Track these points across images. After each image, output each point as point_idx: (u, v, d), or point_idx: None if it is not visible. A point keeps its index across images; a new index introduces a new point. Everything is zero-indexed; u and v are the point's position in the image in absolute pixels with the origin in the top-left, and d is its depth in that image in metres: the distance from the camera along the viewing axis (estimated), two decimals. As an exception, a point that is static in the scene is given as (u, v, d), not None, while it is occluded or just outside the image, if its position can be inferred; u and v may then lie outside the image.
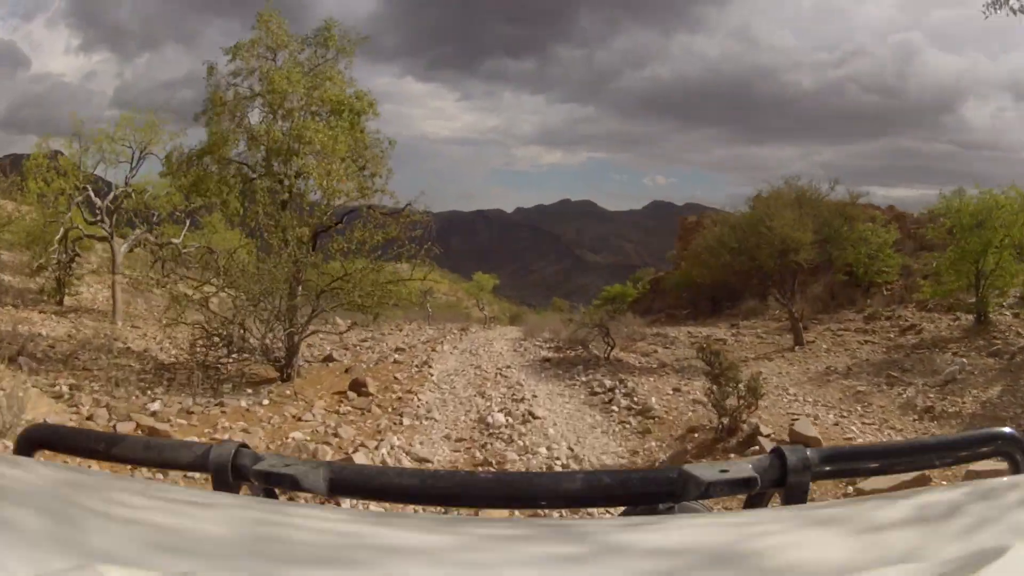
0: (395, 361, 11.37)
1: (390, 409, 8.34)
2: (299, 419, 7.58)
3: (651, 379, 10.01)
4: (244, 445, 0.68)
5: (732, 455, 6.39)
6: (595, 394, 9.31)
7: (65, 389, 7.58)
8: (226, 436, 6.67)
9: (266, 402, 8.11)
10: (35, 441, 0.74)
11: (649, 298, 40.38)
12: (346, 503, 3.40)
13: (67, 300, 13.66)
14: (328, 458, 5.81)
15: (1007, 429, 0.70)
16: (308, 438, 6.87)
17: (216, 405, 7.71)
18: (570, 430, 7.77)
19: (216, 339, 9.00)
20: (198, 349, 9.05)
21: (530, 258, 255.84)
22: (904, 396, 8.31)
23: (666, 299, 36.64)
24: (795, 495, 0.64)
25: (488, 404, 8.60)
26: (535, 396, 9.12)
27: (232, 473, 0.66)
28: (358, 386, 8.88)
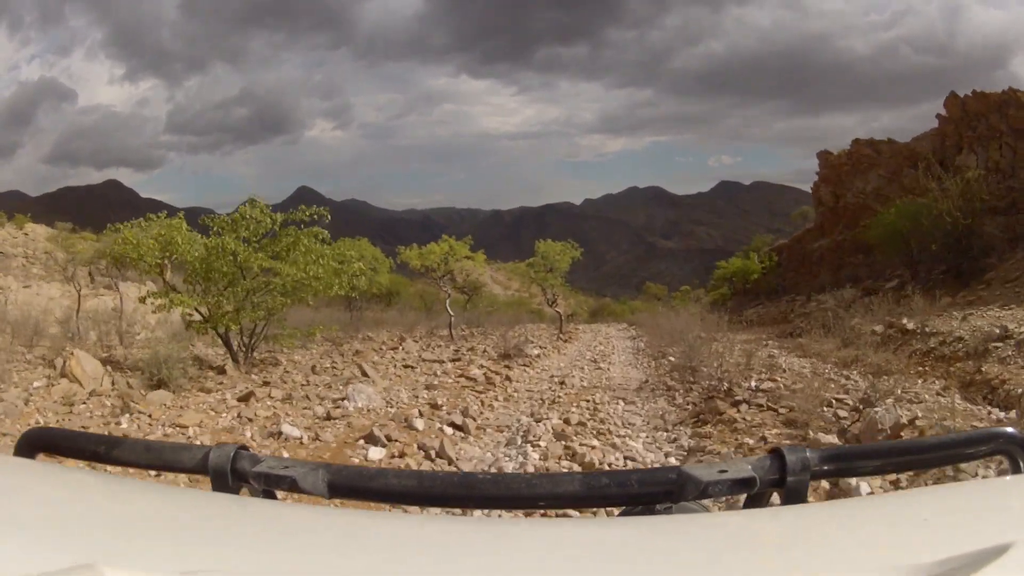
0: None
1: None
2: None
3: None
4: (243, 447, 0.66)
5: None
6: None
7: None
8: None
9: None
10: (36, 443, 0.73)
11: (780, 272, 30.01)
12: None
13: None
14: None
15: (1008, 428, 0.69)
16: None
17: None
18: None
19: None
20: None
21: (602, 249, 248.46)
22: None
23: (819, 270, 26.04)
24: (794, 495, 0.63)
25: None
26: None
27: (232, 475, 0.65)
28: None
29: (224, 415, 6.11)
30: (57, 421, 5.70)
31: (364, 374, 7.79)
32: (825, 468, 0.64)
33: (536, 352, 11.17)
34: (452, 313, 14.81)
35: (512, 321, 24.03)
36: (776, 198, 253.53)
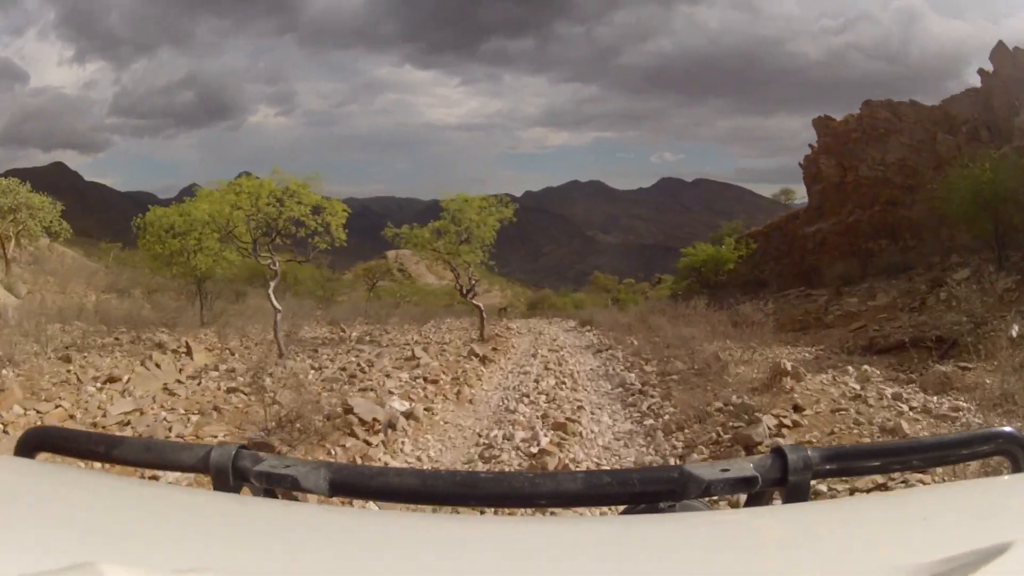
0: None
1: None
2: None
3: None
4: (244, 446, 0.66)
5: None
6: None
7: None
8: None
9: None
10: (36, 443, 0.72)
11: (755, 262, 24.73)
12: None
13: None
14: None
15: (1007, 428, 0.68)
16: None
17: None
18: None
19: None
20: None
21: (541, 241, 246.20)
22: None
23: (817, 259, 20.62)
24: (796, 494, 0.63)
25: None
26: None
27: (233, 474, 0.64)
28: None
29: None
30: None
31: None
32: (827, 467, 0.64)
33: (398, 409, 4.73)
34: (279, 308, 8.25)
35: (423, 316, 17.65)
36: (718, 197, 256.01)
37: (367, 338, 11.27)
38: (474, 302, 11.46)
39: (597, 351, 10.67)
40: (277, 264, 9.04)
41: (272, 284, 8.76)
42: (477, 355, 8.57)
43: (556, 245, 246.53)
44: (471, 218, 10.81)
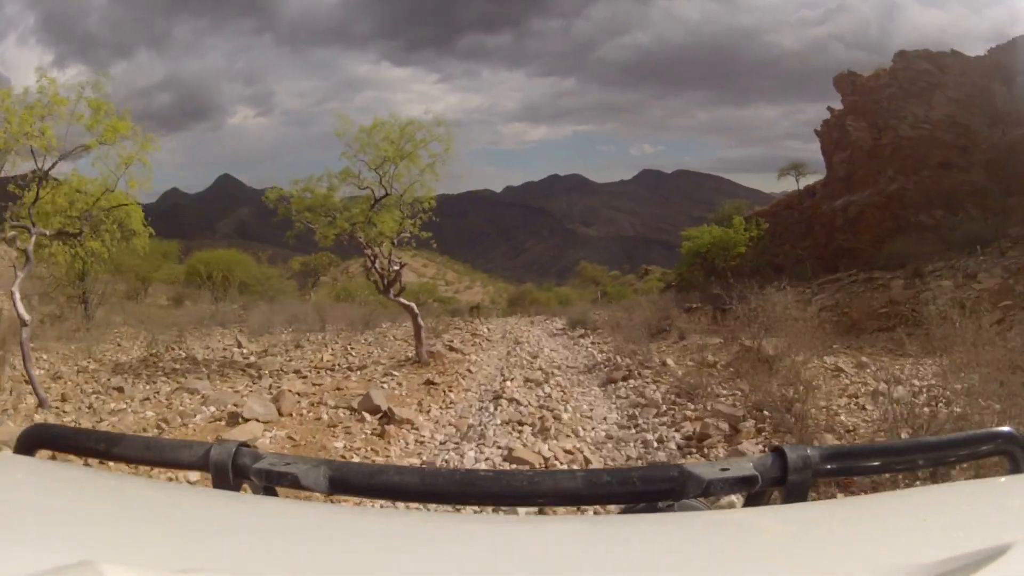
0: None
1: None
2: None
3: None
4: (245, 444, 0.66)
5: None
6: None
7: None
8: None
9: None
10: (35, 441, 0.71)
11: (765, 247, 21.34)
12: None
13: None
14: None
15: (1006, 428, 0.67)
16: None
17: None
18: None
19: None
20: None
21: (522, 236, 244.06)
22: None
23: (851, 237, 17.22)
24: (795, 493, 0.62)
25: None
26: None
27: (233, 472, 0.63)
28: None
29: None
30: None
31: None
32: (827, 467, 0.63)
33: None
34: (26, 317, 4.63)
35: (370, 320, 14.02)
36: (698, 187, 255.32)
37: (252, 358, 7.70)
38: (401, 300, 7.83)
39: (608, 381, 6.73)
40: (33, 241, 5.41)
41: (20, 276, 5.14)
42: (378, 410, 4.89)
43: (537, 240, 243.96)
44: (384, 153, 7.15)
